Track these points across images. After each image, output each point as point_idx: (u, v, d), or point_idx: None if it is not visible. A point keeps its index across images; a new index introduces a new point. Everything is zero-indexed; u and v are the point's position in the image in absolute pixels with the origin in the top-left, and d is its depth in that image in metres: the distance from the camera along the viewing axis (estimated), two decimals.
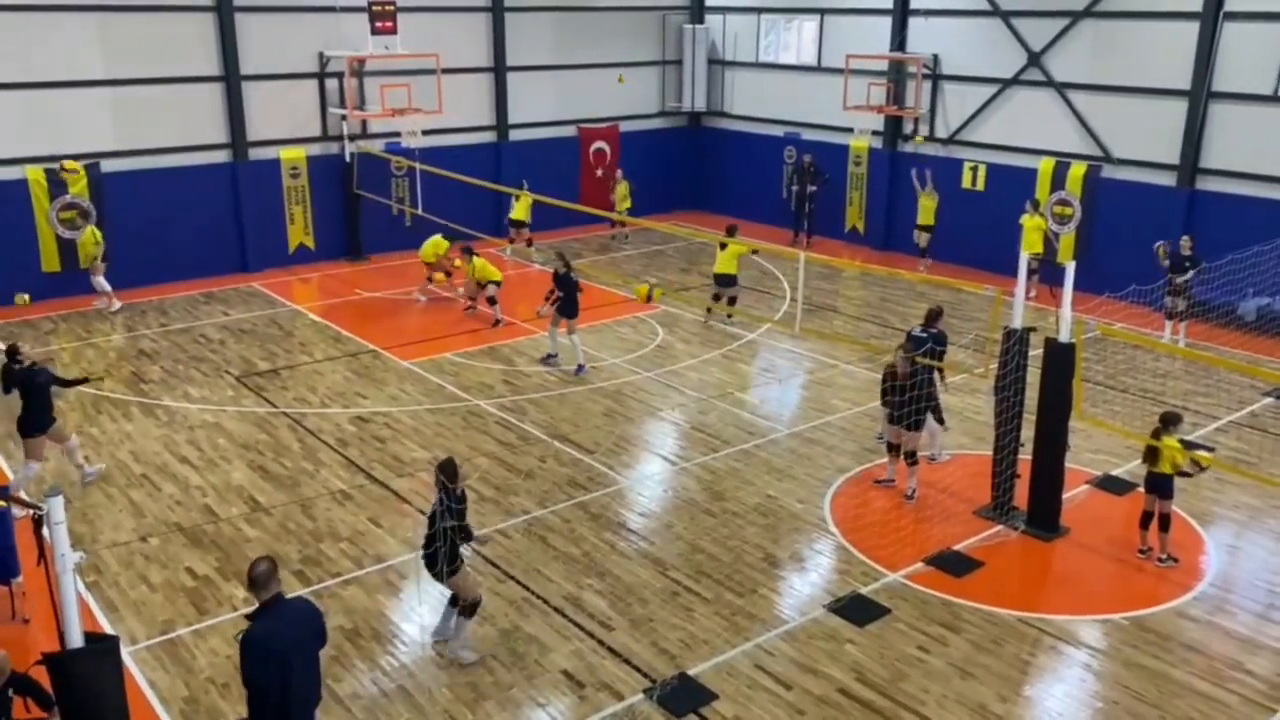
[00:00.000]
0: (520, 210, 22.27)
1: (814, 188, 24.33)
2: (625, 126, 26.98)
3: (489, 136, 24.81)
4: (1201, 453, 10.75)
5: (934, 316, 12.74)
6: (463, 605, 8.96)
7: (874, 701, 8.47)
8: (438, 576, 8.80)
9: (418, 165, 21.51)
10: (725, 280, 18.05)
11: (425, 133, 22.16)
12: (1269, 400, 15.13)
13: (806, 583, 10.33)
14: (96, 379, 14.88)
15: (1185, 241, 16.95)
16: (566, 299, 15.89)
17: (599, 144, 26.58)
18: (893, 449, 12.14)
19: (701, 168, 28.05)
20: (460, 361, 16.57)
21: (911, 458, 11.90)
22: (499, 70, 24.50)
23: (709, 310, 18.40)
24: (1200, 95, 18.63)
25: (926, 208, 22.09)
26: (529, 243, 22.56)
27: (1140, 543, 10.76)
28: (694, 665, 8.90)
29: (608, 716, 8.28)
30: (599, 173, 26.59)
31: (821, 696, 8.53)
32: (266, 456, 13.07)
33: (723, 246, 18.02)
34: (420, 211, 21.42)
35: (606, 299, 19.62)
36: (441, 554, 8.60)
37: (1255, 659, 9.08)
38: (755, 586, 10.15)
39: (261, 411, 14.50)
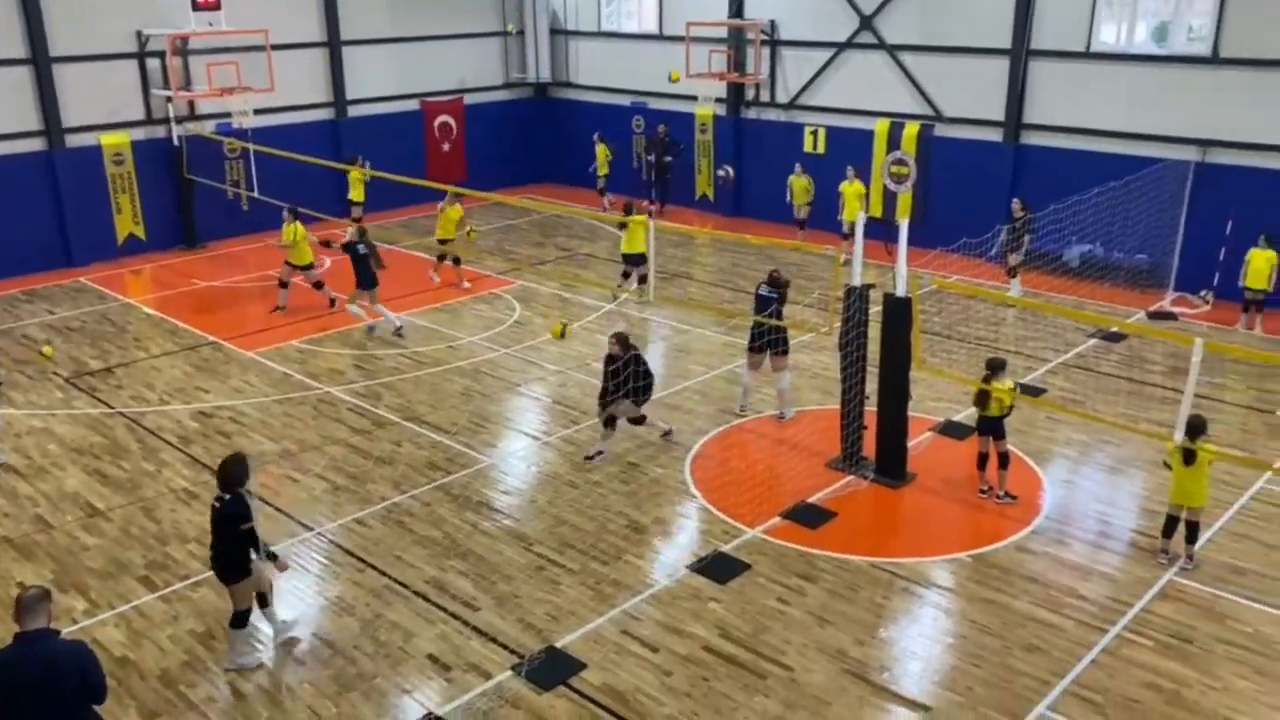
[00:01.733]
0: (356, 190, 21.58)
1: (670, 158, 24.38)
2: (470, 99, 26.51)
3: (326, 114, 23.99)
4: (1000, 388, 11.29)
5: (776, 278, 13.09)
6: (234, 614, 8.57)
7: (738, 656, 8.68)
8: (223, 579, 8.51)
9: (251, 146, 20.62)
10: (635, 259, 17.44)
11: (258, 112, 21.26)
12: (1094, 341, 16.09)
13: (670, 545, 10.47)
14: None
15: (1016, 204, 17.86)
16: (360, 270, 15.75)
17: (443, 118, 26.05)
18: (612, 423, 12.23)
19: (550, 139, 27.84)
20: (307, 348, 16.05)
21: (641, 423, 12.26)
22: (333, 44, 23.67)
23: (618, 288, 17.98)
24: (1020, 54, 19.53)
25: (801, 187, 22.04)
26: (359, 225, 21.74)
27: (980, 483, 11.32)
28: (561, 637, 8.92)
29: (476, 697, 8.22)
30: (445, 147, 26.08)
31: (687, 656, 8.68)
32: (103, 460, 12.38)
33: (622, 226, 17.52)
34: (257, 195, 20.58)
35: (464, 276, 19.28)
36: (230, 555, 8.34)
37: (1088, 584, 9.68)
38: (620, 554, 10.23)
39: (95, 413, 13.72)
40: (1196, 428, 9.58)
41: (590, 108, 27.09)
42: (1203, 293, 17.67)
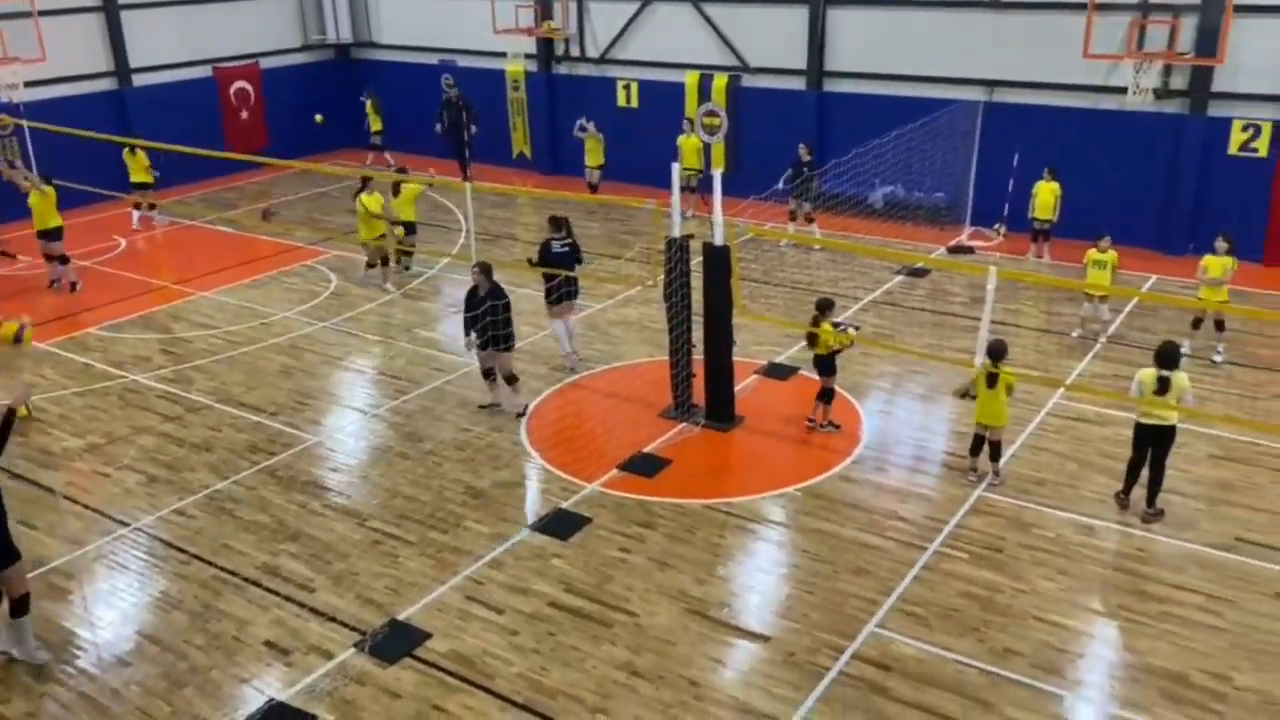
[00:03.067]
0: (137, 169, 19.93)
1: (474, 127, 23.45)
2: (266, 64, 25.22)
3: (109, 84, 22.35)
4: (850, 331, 11.85)
5: (560, 224, 13.20)
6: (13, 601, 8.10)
7: (583, 608, 8.78)
8: None
9: (24, 122, 19.01)
10: (407, 227, 17.19)
11: (29, 84, 19.58)
12: (901, 278, 16.91)
13: (510, 508, 10.44)
14: None
15: (803, 149, 18.45)
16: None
17: (240, 84, 24.69)
18: (489, 374, 12.31)
19: (354, 103, 26.80)
20: (107, 335, 15.05)
21: (512, 381, 12.26)
22: (110, 8, 22.01)
23: (398, 261, 17.46)
24: (819, 2, 20.09)
25: (593, 149, 22.04)
26: (151, 206, 20.43)
27: (813, 414, 11.80)
28: (404, 609, 8.79)
29: (319, 678, 8.01)
30: (244, 115, 24.77)
31: (533, 614, 8.72)
32: None
33: (396, 191, 17.10)
34: (35, 174, 19.00)
35: (273, 248, 18.47)
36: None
37: (907, 506, 10.26)
38: (459, 521, 10.13)
39: None
40: (997, 352, 10.24)
41: (395, 68, 26.26)
42: (996, 225, 18.82)
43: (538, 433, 11.88)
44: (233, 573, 9.39)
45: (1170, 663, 7.96)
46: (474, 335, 11.94)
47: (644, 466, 11.04)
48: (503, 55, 23.86)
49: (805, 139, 18.97)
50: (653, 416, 12.14)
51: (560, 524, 10.01)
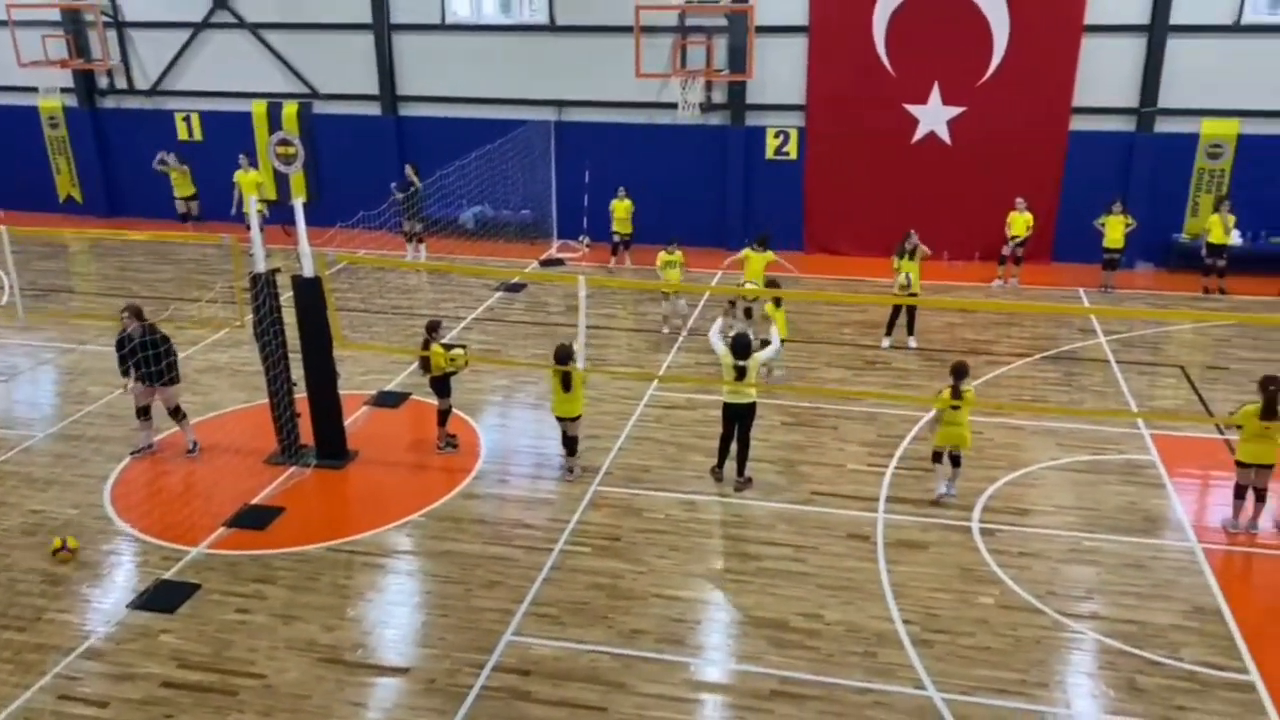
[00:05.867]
0: None
1: None
2: None
3: None
4: (457, 351, 11.94)
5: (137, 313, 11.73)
6: None
7: (203, 681, 8.09)
8: None
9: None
10: None
11: None
12: (500, 294, 17.32)
13: (101, 589, 9.34)
14: None
15: (409, 169, 18.48)
16: None
17: None
18: (144, 412, 11.58)
19: None
20: None
21: (179, 415, 11.63)
22: None
23: None
24: (382, 28, 20.01)
25: (179, 181, 20.16)
26: None
27: (438, 437, 11.79)
28: None
29: None
30: None
31: (144, 699, 7.88)
32: None
33: None
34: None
35: None
36: None
37: (530, 512, 10.53)
38: (39, 615, 8.90)
39: None
40: (564, 355, 10.70)
41: None
42: (581, 237, 19.85)
43: (125, 501, 10.76)
44: None
45: (771, 612, 8.87)
46: (131, 374, 11.24)
47: (254, 519, 10.37)
48: (34, 90, 21.29)
49: (389, 162, 18.85)
50: (258, 465, 11.44)
51: (164, 596, 9.13)
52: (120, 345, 11.28)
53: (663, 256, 15.34)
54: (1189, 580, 9.24)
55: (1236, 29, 17.10)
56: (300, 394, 11.55)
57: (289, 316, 11.30)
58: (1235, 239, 16.88)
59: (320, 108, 20.76)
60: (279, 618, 8.87)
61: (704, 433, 11.93)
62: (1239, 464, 9.84)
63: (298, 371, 11.44)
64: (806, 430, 12.31)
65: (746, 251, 15.17)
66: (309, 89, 20.81)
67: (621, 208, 18.33)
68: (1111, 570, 9.41)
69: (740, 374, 10.49)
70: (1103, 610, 8.82)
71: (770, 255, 15.03)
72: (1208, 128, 17.57)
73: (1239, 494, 9.93)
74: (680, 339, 15.17)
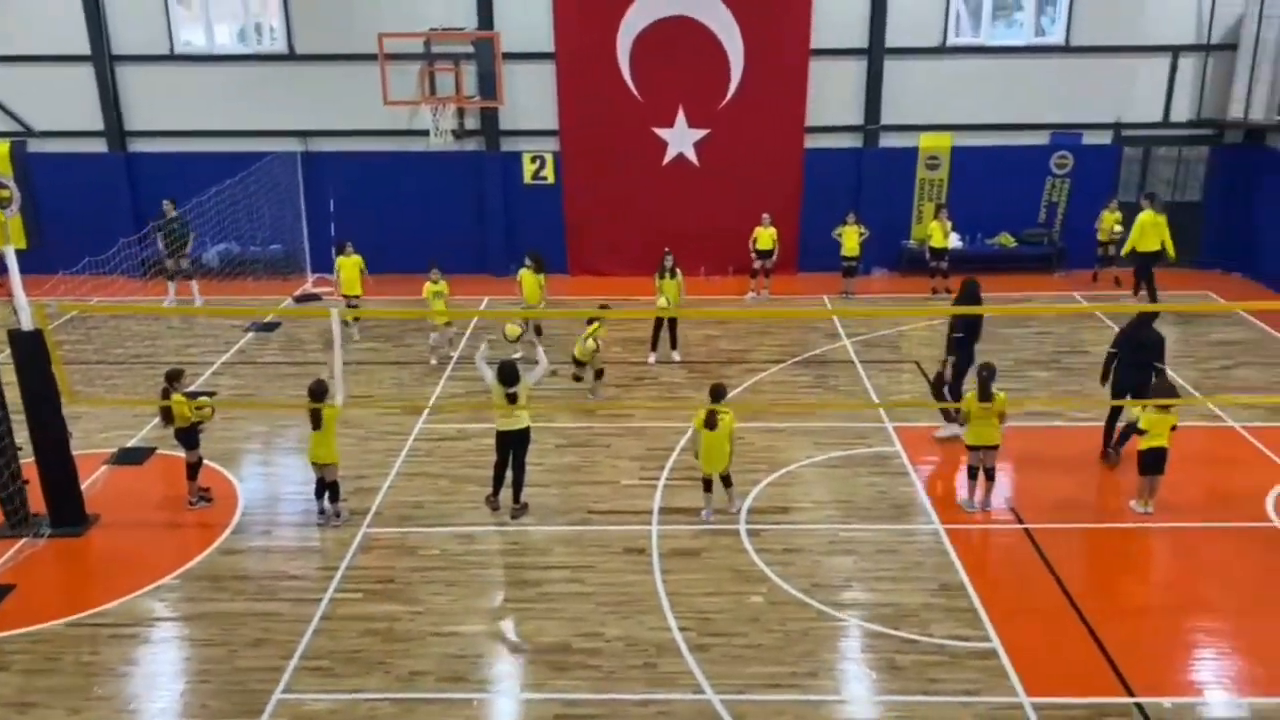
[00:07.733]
0: None
1: None
2: None
3: None
4: (203, 399, 11.26)
5: None
6: None
7: None
8: None
9: None
10: None
11: None
12: (252, 334, 16.48)
13: None
14: None
15: (167, 205, 17.34)
16: None
17: None
18: None
19: None
20: None
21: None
22: None
23: None
24: (104, 60, 18.67)
25: None
26: None
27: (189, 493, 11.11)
28: None
29: None
30: None
31: None
32: None
33: None
34: None
35: None
36: None
37: (296, 563, 10.05)
38: None
39: None
40: (318, 392, 10.39)
41: None
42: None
43: None
44: None
45: (553, 636, 8.87)
46: None
47: None
48: None
49: (119, 202, 17.61)
50: None
51: None
52: None
53: (428, 287, 15.11)
54: (935, 560, 9.99)
55: (943, 50, 18.79)
56: (27, 459, 10.54)
57: (8, 375, 10.31)
58: (954, 242, 18.54)
59: (37, 146, 19.23)
60: (12, 707, 8.03)
61: (477, 462, 11.81)
62: (969, 447, 10.77)
63: (22, 434, 10.45)
64: (581, 450, 12.43)
65: (523, 273, 15.24)
66: (22, 126, 19.13)
67: (350, 264, 16.28)
68: (867, 557, 10.04)
69: (512, 400, 10.46)
70: (862, 597, 9.39)
71: (542, 278, 15.34)
72: (925, 141, 19.20)
73: (971, 475, 10.86)
74: (449, 368, 14.97)
